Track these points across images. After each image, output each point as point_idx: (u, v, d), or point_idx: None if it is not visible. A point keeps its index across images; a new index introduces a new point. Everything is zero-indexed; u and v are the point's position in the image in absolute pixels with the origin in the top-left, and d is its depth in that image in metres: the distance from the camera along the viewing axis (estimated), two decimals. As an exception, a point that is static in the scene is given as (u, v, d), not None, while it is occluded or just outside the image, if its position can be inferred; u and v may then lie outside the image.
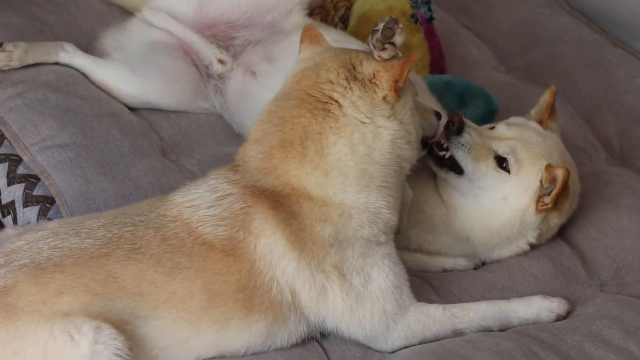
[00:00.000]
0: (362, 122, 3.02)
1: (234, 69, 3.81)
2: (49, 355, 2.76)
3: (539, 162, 3.34)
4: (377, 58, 3.08)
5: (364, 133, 3.01)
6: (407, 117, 3.08)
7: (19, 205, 3.44)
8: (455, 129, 3.31)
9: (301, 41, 3.24)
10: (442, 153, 3.35)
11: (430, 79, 3.86)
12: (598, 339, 3.12)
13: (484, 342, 3.05)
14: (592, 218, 3.55)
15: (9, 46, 3.69)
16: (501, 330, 3.15)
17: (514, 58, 4.51)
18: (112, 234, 2.94)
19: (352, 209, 3.00)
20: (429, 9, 4.08)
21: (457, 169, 3.36)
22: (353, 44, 3.79)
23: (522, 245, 3.43)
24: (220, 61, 3.82)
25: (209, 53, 3.82)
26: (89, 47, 3.89)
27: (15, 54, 3.69)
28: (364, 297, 3.01)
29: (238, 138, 3.79)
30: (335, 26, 4.10)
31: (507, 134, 3.40)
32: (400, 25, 3.08)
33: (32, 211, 3.42)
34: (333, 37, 3.79)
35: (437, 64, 4.12)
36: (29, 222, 3.38)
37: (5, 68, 3.69)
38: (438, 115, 3.31)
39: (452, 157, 3.36)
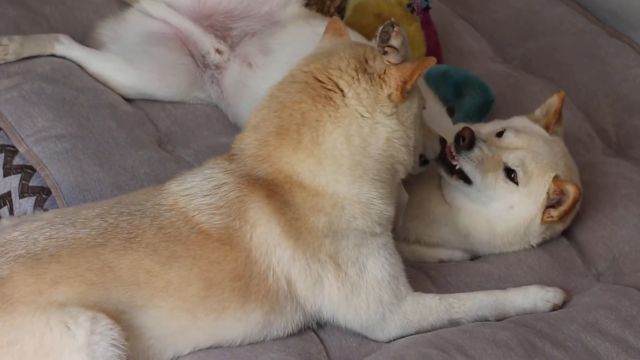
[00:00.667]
0: (362, 115, 3.02)
1: (230, 59, 3.81)
2: (46, 345, 2.76)
3: (547, 174, 3.35)
4: (387, 63, 3.08)
5: (361, 126, 3.01)
6: (408, 121, 3.08)
7: (15, 196, 3.44)
8: (466, 144, 3.30)
9: (325, 32, 3.26)
10: (454, 162, 3.34)
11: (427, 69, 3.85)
12: (594, 329, 3.13)
13: (481, 332, 3.05)
14: (589, 209, 3.55)
15: (4, 40, 3.69)
16: (498, 320, 3.16)
17: (510, 48, 4.50)
18: (107, 223, 2.94)
19: (345, 200, 3.00)
20: (425, -1, 4.09)
21: (466, 179, 3.36)
22: (349, 35, 3.79)
23: (524, 246, 3.45)
24: (218, 51, 3.81)
25: (207, 42, 3.82)
26: (85, 38, 3.89)
27: (11, 47, 3.69)
28: (360, 287, 3.01)
29: (234, 128, 3.80)
30: (331, 17, 4.09)
31: (516, 143, 3.38)
32: (396, 28, 3.08)
33: (29, 202, 3.41)
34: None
35: (433, 54, 4.11)
36: (25, 213, 3.38)
37: (1, 62, 3.69)
38: (442, 142, 3.31)
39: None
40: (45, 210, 3.34)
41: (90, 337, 2.77)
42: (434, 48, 4.11)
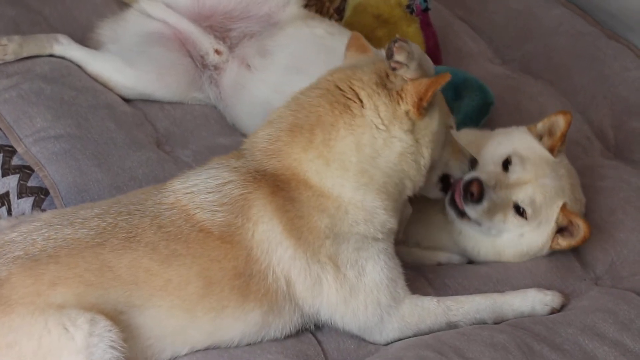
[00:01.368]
0: (377, 127, 3.02)
1: (229, 60, 3.81)
2: (44, 348, 2.76)
3: (555, 204, 3.37)
4: (406, 79, 3.07)
5: (375, 137, 3.02)
6: (426, 139, 3.08)
7: (13, 196, 3.44)
8: (475, 199, 3.30)
9: (347, 49, 3.27)
10: (464, 210, 3.34)
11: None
12: (592, 332, 3.13)
13: (478, 335, 3.05)
14: (587, 212, 3.54)
15: (3, 40, 3.69)
16: (495, 323, 3.15)
17: (509, 50, 4.50)
18: (106, 223, 2.94)
19: (349, 204, 3.00)
20: (425, 0, 4.08)
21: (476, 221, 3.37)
22: (347, 36, 3.78)
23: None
24: (217, 51, 3.81)
25: (206, 43, 3.82)
26: (84, 38, 3.89)
27: (10, 47, 3.68)
28: (358, 289, 3.01)
29: (232, 129, 3.81)
30: (331, 17, 4.09)
31: (524, 177, 3.37)
32: (398, 44, 3.06)
33: (27, 202, 3.41)
34: (326, 30, 3.79)
35: (432, 55, 4.09)
36: (23, 213, 3.37)
37: (0, 62, 3.68)
38: (473, 162, 3.31)
39: None
40: (44, 210, 3.33)
41: (89, 339, 2.77)
42: (433, 49, 4.10)
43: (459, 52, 4.38)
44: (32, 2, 3.99)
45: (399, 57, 3.06)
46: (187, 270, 2.90)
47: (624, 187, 3.68)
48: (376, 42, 3.93)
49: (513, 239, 3.39)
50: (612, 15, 4.53)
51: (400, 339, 3.08)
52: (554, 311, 3.21)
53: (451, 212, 3.38)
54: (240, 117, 3.79)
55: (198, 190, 3.00)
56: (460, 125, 3.50)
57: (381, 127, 3.02)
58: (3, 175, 3.48)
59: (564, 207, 3.36)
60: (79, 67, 3.78)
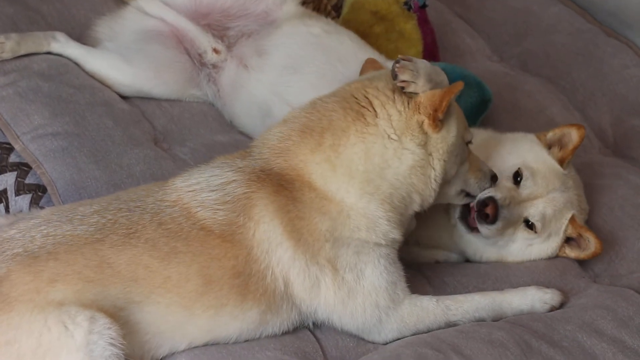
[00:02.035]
0: (389, 137, 3.02)
1: (227, 59, 3.81)
2: (43, 345, 2.76)
3: (564, 217, 3.38)
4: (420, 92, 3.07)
5: (386, 147, 3.02)
6: (439, 152, 3.06)
7: (11, 193, 3.43)
8: (490, 221, 3.29)
9: (362, 70, 3.28)
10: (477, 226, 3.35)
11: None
12: (591, 329, 3.13)
13: (477, 332, 3.05)
14: (586, 211, 3.56)
15: (0, 38, 3.68)
16: (494, 321, 3.15)
17: (507, 47, 4.50)
18: (106, 219, 2.93)
19: (351, 210, 3.00)
20: (422, -4, 4.09)
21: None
22: (344, 34, 3.79)
23: None
24: (215, 50, 3.81)
25: (204, 41, 3.81)
26: (82, 35, 3.89)
27: (7, 45, 3.68)
28: (356, 292, 3.00)
29: (230, 127, 3.80)
30: (328, 14, 4.09)
31: (535, 192, 3.37)
32: (399, 64, 3.05)
33: (24, 199, 3.40)
34: (323, 28, 3.79)
35: (430, 52, 4.11)
36: (21, 211, 3.37)
37: None
38: (493, 179, 3.29)
39: None
40: (41, 208, 3.33)
41: (89, 337, 2.76)
42: (430, 46, 4.10)
43: (457, 49, 4.38)
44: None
45: (403, 76, 3.04)
46: (186, 268, 2.90)
47: (622, 185, 3.68)
48: (373, 39, 3.94)
49: (521, 248, 3.40)
50: (611, 12, 4.53)
51: (399, 339, 3.07)
52: (553, 309, 3.21)
53: (461, 227, 3.38)
54: (237, 116, 3.79)
55: (201, 189, 3.00)
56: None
57: (393, 136, 3.02)
58: (0, 173, 3.48)
59: (572, 220, 3.38)
60: (77, 64, 3.77)
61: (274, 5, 3.86)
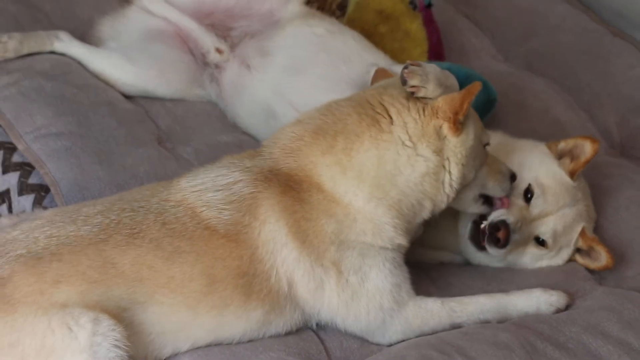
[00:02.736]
0: (404, 144, 3.01)
1: (230, 60, 3.81)
2: (47, 347, 2.75)
3: (574, 230, 3.38)
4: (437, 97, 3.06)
5: (399, 154, 3.00)
6: (458, 157, 3.04)
7: (14, 193, 3.43)
8: (501, 245, 3.29)
9: (373, 80, 3.29)
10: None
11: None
12: (596, 331, 3.12)
13: (481, 334, 3.04)
14: (592, 212, 3.55)
15: (3, 37, 3.69)
16: (499, 323, 3.14)
17: (512, 47, 4.49)
18: (109, 220, 2.92)
19: (358, 213, 2.99)
20: (428, -4, 4.09)
21: None
22: (348, 34, 3.78)
23: None
24: (218, 50, 3.81)
25: (208, 41, 3.81)
26: (85, 35, 3.89)
27: (10, 44, 3.68)
28: (360, 295, 3.00)
29: (234, 127, 3.80)
30: (333, 14, 4.08)
31: (546, 209, 3.36)
32: (407, 69, 3.03)
33: (27, 200, 3.40)
34: (327, 28, 3.78)
35: (435, 51, 4.11)
36: (24, 211, 3.37)
37: (1, 59, 3.69)
38: (513, 177, 3.26)
39: None
40: (45, 208, 3.32)
41: (93, 339, 2.76)
42: (436, 45, 4.10)
43: (462, 49, 4.38)
44: (33, -2, 4.01)
45: (413, 81, 3.02)
46: (190, 268, 2.89)
47: (628, 186, 3.67)
48: (378, 38, 3.94)
49: (530, 262, 3.40)
50: (617, 12, 4.53)
51: (403, 341, 3.06)
52: (559, 311, 3.19)
53: (471, 242, 3.35)
54: (240, 116, 3.79)
55: (206, 188, 2.99)
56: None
57: (408, 143, 3.00)
58: (4, 173, 3.47)
59: (583, 232, 3.38)
60: (80, 64, 3.78)
61: (278, 4, 3.86)
